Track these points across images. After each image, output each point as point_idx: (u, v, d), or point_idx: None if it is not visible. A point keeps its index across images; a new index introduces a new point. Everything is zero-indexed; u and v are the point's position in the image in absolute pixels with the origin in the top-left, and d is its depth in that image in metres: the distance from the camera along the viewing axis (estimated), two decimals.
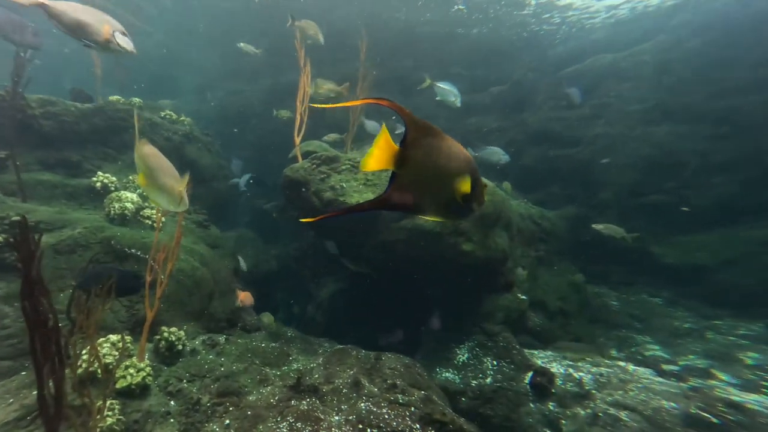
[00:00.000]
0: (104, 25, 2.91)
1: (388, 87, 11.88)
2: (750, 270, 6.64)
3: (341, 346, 5.83)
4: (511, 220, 6.72)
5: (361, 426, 3.88)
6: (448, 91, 7.22)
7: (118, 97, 8.07)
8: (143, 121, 8.34)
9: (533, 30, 12.57)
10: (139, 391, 3.83)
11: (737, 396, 4.69)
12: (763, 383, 4.93)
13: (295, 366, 5.52)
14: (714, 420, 4.22)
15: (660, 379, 4.99)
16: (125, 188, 6.94)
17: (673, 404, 4.43)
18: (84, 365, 3.29)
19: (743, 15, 8.32)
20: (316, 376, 4.85)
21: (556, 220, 7.98)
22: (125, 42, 3.02)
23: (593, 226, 7.23)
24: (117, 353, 3.83)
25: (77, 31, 2.88)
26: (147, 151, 3.14)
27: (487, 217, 5.93)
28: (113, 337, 4.02)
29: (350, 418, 4.05)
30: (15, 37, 6.11)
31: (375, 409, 4.19)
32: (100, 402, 2.71)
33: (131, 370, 3.77)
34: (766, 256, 6.59)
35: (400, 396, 4.45)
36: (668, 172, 7.86)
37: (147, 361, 4.08)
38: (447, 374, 5.80)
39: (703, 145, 7.69)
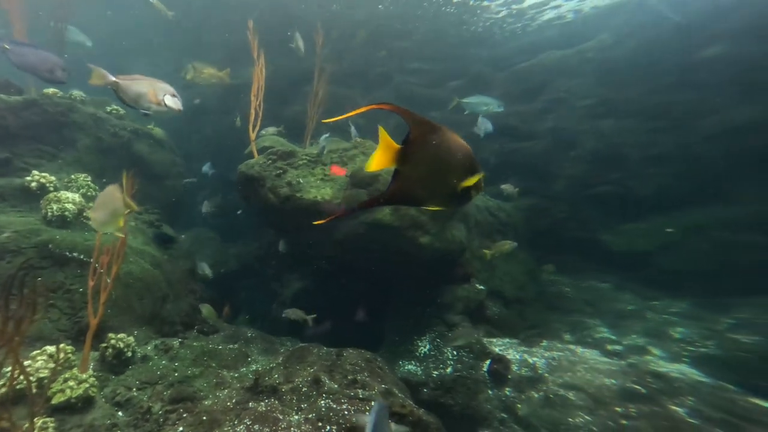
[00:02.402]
0: (156, 91, 3.36)
1: (349, 81, 11.79)
2: (679, 254, 7.21)
3: (302, 344, 5.77)
4: (469, 212, 6.88)
5: (320, 423, 3.87)
6: (475, 104, 7.32)
7: (55, 89, 7.48)
8: (86, 115, 7.80)
9: (473, 29, 12.89)
10: (81, 405, 3.59)
11: (663, 367, 5.19)
12: (684, 354, 5.49)
13: (254, 367, 5.41)
14: (643, 390, 4.64)
15: (604, 359, 5.35)
16: (66, 188, 6.48)
17: (613, 381, 4.79)
18: (12, 383, 3.05)
19: (668, 21, 9.01)
20: (276, 376, 4.77)
21: (512, 212, 8.26)
22: (173, 102, 3.44)
23: (502, 186, 7.89)
24: (54, 366, 3.57)
25: (136, 100, 3.34)
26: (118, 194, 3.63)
27: (444, 209, 6.03)
28: (50, 349, 3.75)
29: (310, 416, 4.03)
30: (45, 75, 6.26)
31: (335, 406, 4.18)
32: (28, 424, 2.53)
33: (71, 383, 3.52)
34: (691, 241, 7.19)
35: (360, 391, 4.46)
36: (613, 164, 8.35)
37: (91, 372, 3.84)
38: (409, 366, 5.89)
39: (643, 138, 8.23)
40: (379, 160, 1.56)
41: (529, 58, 11.08)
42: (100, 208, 3.48)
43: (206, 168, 9.75)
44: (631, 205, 8.15)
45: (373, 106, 1.48)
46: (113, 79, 3.18)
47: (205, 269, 8.04)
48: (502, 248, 6.51)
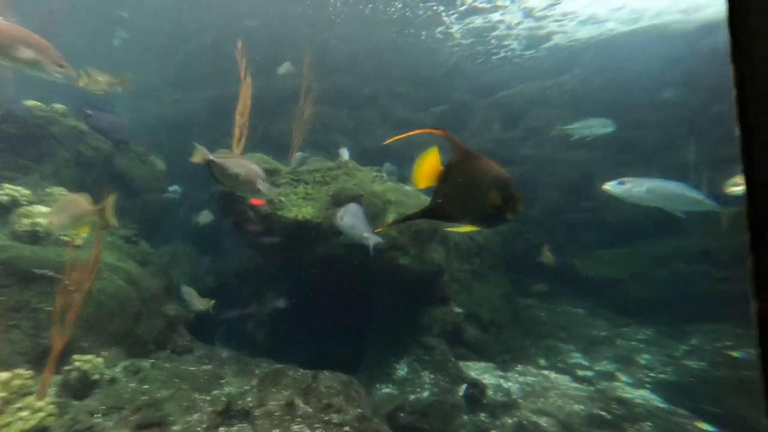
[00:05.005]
0: (252, 175, 3.50)
1: (336, 102, 11.99)
2: (646, 282, 7.52)
3: (278, 366, 5.68)
4: (448, 234, 6.99)
5: None
6: (578, 128, 7.58)
7: (35, 102, 7.38)
8: (67, 129, 7.71)
9: (444, 58, 13.53)
10: None
11: (629, 393, 5.37)
12: (647, 379, 5.70)
13: (227, 389, 5.29)
14: (608, 416, 4.77)
15: (575, 385, 5.45)
16: (41, 202, 6.34)
17: (582, 407, 4.88)
18: None
19: (629, 63, 9.87)
20: (249, 399, 4.69)
21: (490, 235, 8.41)
22: (265, 187, 3.61)
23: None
24: (6, 394, 3.36)
25: (231, 181, 3.48)
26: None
27: (423, 231, 6.13)
28: (4, 375, 3.55)
29: None
30: (112, 135, 7.28)
31: (308, 431, 4.14)
32: None
33: (24, 413, 3.31)
34: (655, 270, 7.52)
35: (335, 416, 4.42)
36: (585, 193, 8.68)
37: (50, 398, 3.67)
38: (386, 389, 5.85)
39: (612, 169, 8.62)
40: (426, 178, 1.76)
41: (509, 87, 11.56)
42: (59, 213, 3.51)
43: (174, 188, 9.74)
44: (601, 233, 8.47)
45: (427, 131, 1.69)
46: (210, 157, 3.38)
47: (193, 297, 6.70)
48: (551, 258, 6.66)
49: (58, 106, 7.89)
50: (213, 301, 6.35)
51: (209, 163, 3.40)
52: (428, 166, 1.76)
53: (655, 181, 4.66)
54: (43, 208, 5.73)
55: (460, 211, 1.84)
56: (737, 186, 4.23)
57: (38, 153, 7.00)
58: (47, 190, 6.61)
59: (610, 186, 4.64)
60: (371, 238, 4.15)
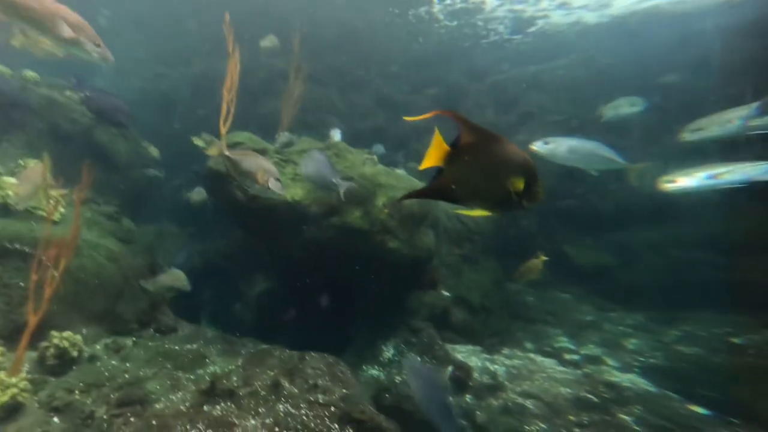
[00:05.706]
0: (262, 172, 3.51)
1: (326, 81, 11.70)
2: (635, 269, 7.60)
3: (264, 347, 5.63)
4: (438, 218, 6.94)
5: (277, 429, 3.81)
6: (615, 110, 7.46)
7: (5, 68, 6.93)
8: (41, 98, 7.31)
9: (451, 37, 13.30)
10: (5, 414, 3.28)
11: (616, 377, 5.46)
12: (635, 364, 5.79)
13: (212, 369, 5.23)
14: (595, 400, 4.85)
15: (561, 368, 5.54)
16: (12, 174, 6.03)
17: (568, 390, 4.97)
18: None
19: (625, 49, 9.85)
20: (234, 378, 4.63)
21: (481, 220, 8.38)
22: (276, 186, 3.57)
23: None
24: None
25: (244, 176, 3.53)
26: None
27: (414, 215, 6.06)
28: None
29: (267, 421, 3.95)
30: (110, 117, 7.25)
31: (293, 411, 4.12)
32: None
33: None
34: (644, 256, 7.61)
35: (320, 396, 4.40)
36: (578, 179, 8.69)
37: (24, 375, 3.54)
38: (373, 371, 5.86)
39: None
40: (430, 158, 1.70)
41: (502, 70, 11.44)
42: (21, 183, 3.41)
43: (153, 172, 9.46)
44: (595, 219, 8.51)
45: (439, 113, 1.64)
46: (226, 152, 3.44)
47: (180, 279, 6.06)
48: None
49: (30, 74, 7.47)
50: (181, 273, 6.08)
51: (225, 157, 3.45)
52: (432, 146, 1.70)
53: (576, 140, 4.95)
54: (13, 180, 5.45)
55: (471, 194, 1.76)
56: (671, 183, 4.34)
57: (7, 122, 6.63)
58: (20, 161, 6.29)
59: (535, 146, 4.88)
60: (341, 183, 4.05)
